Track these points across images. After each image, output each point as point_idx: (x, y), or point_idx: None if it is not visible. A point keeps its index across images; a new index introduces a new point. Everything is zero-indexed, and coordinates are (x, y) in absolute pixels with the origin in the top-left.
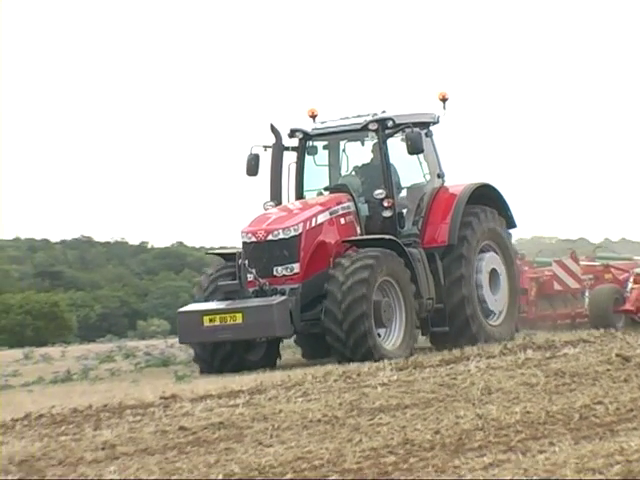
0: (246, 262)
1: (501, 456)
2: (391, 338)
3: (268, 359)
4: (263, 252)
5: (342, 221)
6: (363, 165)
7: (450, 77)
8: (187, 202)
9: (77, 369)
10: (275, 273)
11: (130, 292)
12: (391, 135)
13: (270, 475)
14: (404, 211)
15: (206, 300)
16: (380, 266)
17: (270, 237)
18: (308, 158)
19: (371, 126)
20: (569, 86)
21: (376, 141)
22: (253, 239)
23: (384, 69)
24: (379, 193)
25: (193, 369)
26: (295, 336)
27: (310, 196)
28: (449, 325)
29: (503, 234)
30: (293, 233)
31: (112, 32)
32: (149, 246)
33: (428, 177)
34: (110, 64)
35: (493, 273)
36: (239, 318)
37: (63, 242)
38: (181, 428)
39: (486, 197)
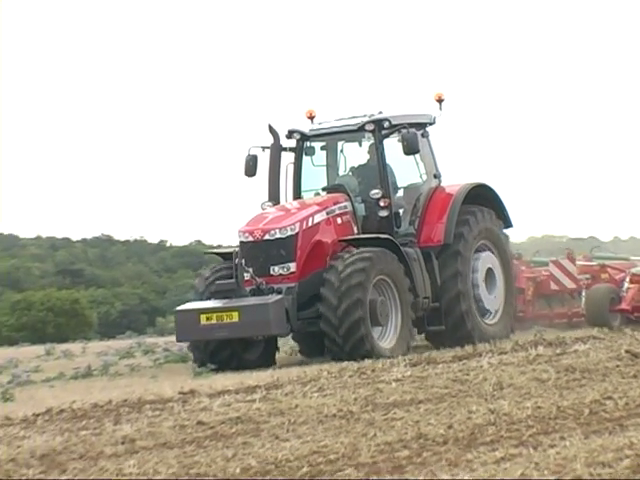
0: (243, 261)
1: (513, 450)
2: (387, 337)
3: (266, 358)
4: (260, 251)
5: (339, 221)
6: (360, 165)
7: (448, 77)
8: (205, 202)
9: (97, 365)
10: (272, 272)
11: (149, 289)
12: (387, 136)
13: (286, 469)
14: (401, 211)
15: (203, 299)
16: (374, 267)
17: (267, 236)
18: (306, 159)
19: (367, 127)
20: (573, 82)
21: (373, 142)
22: (250, 238)
23: (382, 70)
24: (375, 193)
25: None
26: (292, 333)
27: (308, 196)
28: (444, 321)
29: (500, 234)
30: (290, 232)
31: (113, 32)
32: (168, 244)
33: (425, 177)
34: (114, 66)
35: (489, 272)
36: (235, 317)
37: (84, 240)
38: (199, 423)
39: (482, 197)
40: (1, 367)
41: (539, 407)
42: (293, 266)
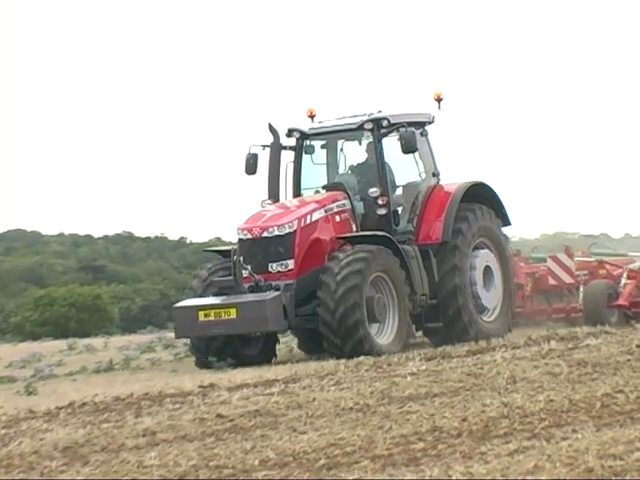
0: (241, 258)
1: (526, 443)
2: (384, 333)
3: (265, 354)
4: (258, 249)
5: (337, 218)
6: (359, 164)
7: (447, 76)
8: (224, 199)
9: (119, 359)
10: (270, 269)
11: (169, 285)
12: (386, 134)
13: (304, 461)
14: (399, 209)
15: (202, 296)
16: (370, 266)
17: (265, 234)
18: (306, 157)
19: (366, 126)
20: (581, 75)
21: (372, 140)
22: (249, 236)
23: (382, 69)
24: (374, 191)
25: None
26: (291, 330)
27: (307, 194)
28: (441, 317)
29: (498, 232)
30: (288, 230)
31: (114, 31)
32: (188, 241)
33: (423, 176)
34: (125, 67)
35: (487, 270)
36: (233, 313)
37: (105, 237)
38: (219, 416)
39: (481, 196)
40: (25, 361)
41: (551, 400)
42: (291, 263)
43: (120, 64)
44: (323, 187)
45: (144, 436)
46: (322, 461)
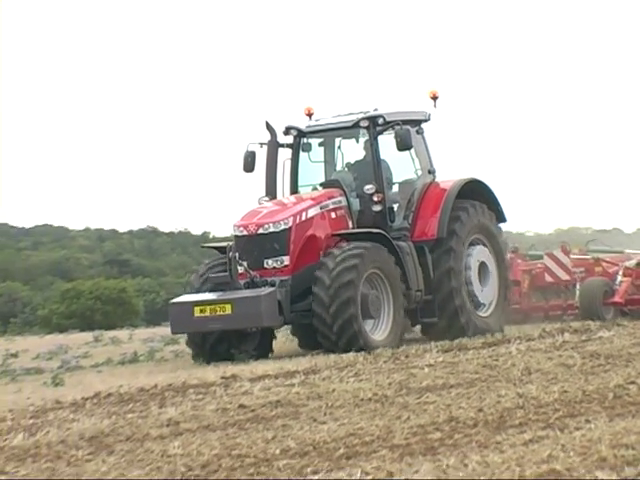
0: (237, 255)
1: (540, 432)
2: (379, 329)
3: (262, 349)
4: (254, 245)
5: (333, 215)
6: (356, 161)
7: (446, 74)
8: (246, 195)
9: (143, 351)
10: (265, 265)
11: None
12: (381, 132)
13: (324, 450)
14: (395, 206)
15: (198, 291)
16: (365, 262)
17: (261, 230)
18: (303, 155)
19: (362, 123)
20: (581, 71)
21: (368, 138)
22: (245, 232)
23: (381, 67)
24: (369, 188)
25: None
26: (291, 327)
27: (305, 191)
28: (438, 317)
29: (493, 228)
30: (283, 227)
31: (115, 29)
32: (211, 236)
33: (419, 173)
34: (126, 68)
35: (482, 266)
36: (228, 309)
37: (130, 232)
38: (241, 406)
39: (477, 193)
40: (51, 353)
41: (565, 391)
42: (287, 259)
43: (125, 65)
44: (320, 184)
45: (168, 426)
46: (341, 450)
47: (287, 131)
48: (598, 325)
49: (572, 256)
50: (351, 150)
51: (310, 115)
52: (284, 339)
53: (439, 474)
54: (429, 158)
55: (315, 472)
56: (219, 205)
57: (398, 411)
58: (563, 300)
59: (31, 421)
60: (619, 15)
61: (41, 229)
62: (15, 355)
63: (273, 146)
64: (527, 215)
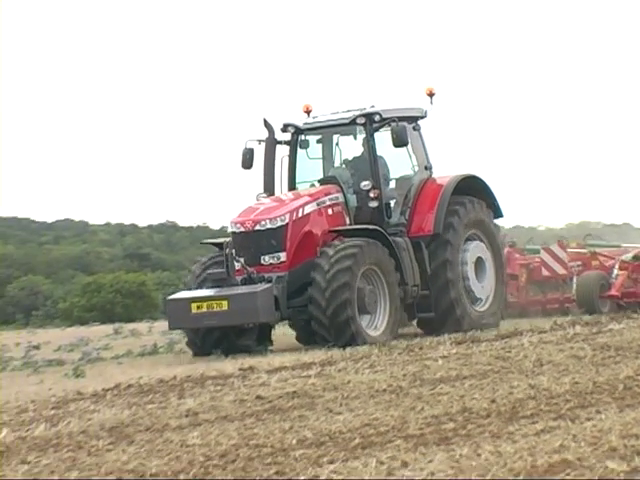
0: (233, 251)
1: (552, 423)
2: (375, 324)
3: (260, 344)
4: (251, 241)
5: (330, 211)
6: (354, 158)
7: (444, 71)
8: (247, 192)
9: (163, 343)
10: (262, 262)
11: None
12: (378, 129)
13: (340, 440)
14: (392, 202)
15: (196, 288)
16: (364, 255)
17: (258, 227)
18: (301, 152)
19: (359, 120)
20: (577, 67)
21: (365, 135)
22: (242, 229)
23: (378, 65)
24: (366, 184)
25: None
26: (289, 321)
27: (303, 188)
28: (434, 309)
29: (490, 224)
30: (280, 223)
31: (115, 30)
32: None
33: (416, 169)
34: (123, 66)
35: (479, 261)
36: (225, 305)
37: (150, 227)
38: (258, 397)
39: (474, 188)
40: (73, 345)
41: (576, 383)
42: (283, 255)
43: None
44: (318, 181)
45: (187, 416)
46: (357, 440)
47: (285, 128)
48: (609, 318)
49: (569, 250)
50: (349, 147)
51: (308, 112)
52: (281, 333)
53: (452, 463)
54: (426, 154)
55: (331, 462)
56: (237, 200)
57: (412, 402)
58: (560, 294)
59: (53, 412)
60: (616, 6)
61: (62, 224)
62: (37, 347)
63: (271, 143)
64: (539, 209)
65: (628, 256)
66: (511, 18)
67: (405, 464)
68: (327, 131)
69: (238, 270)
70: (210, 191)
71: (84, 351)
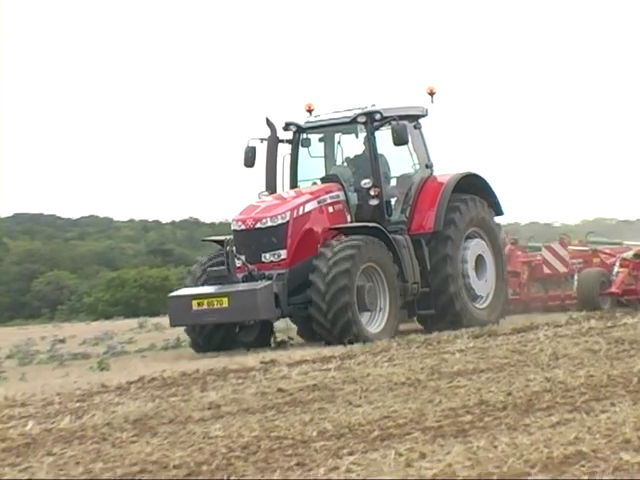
0: (234, 249)
1: (567, 415)
2: (375, 321)
3: (262, 340)
4: (252, 239)
5: (331, 209)
6: (355, 156)
7: (445, 70)
8: (250, 190)
9: (186, 337)
10: (263, 259)
11: None
12: (378, 127)
13: (359, 432)
14: (392, 200)
15: (197, 285)
16: (362, 254)
17: (258, 225)
18: (302, 150)
19: (360, 119)
20: (569, 71)
21: (366, 133)
22: (243, 227)
23: (380, 64)
24: (366, 183)
25: (291, 336)
26: (291, 317)
27: (304, 186)
28: (434, 305)
29: (491, 221)
30: (280, 221)
31: (115, 29)
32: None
33: (417, 167)
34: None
35: (480, 259)
36: (225, 302)
37: (173, 223)
38: (279, 390)
39: (475, 187)
40: (98, 339)
41: (591, 376)
42: (284, 253)
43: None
44: (320, 179)
45: (209, 409)
46: (376, 432)
47: (287, 127)
48: (623, 312)
49: (570, 247)
50: (351, 145)
51: (310, 111)
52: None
53: (470, 455)
54: (427, 153)
55: (350, 453)
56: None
57: (430, 395)
58: (561, 291)
59: (78, 404)
60: (617, 4)
61: (87, 220)
62: (63, 341)
63: (273, 141)
64: (554, 206)
65: (629, 254)
66: (512, 16)
67: (423, 455)
68: (329, 130)
69: (239, 267)
70: (230, 188)
71: (109, 345)
